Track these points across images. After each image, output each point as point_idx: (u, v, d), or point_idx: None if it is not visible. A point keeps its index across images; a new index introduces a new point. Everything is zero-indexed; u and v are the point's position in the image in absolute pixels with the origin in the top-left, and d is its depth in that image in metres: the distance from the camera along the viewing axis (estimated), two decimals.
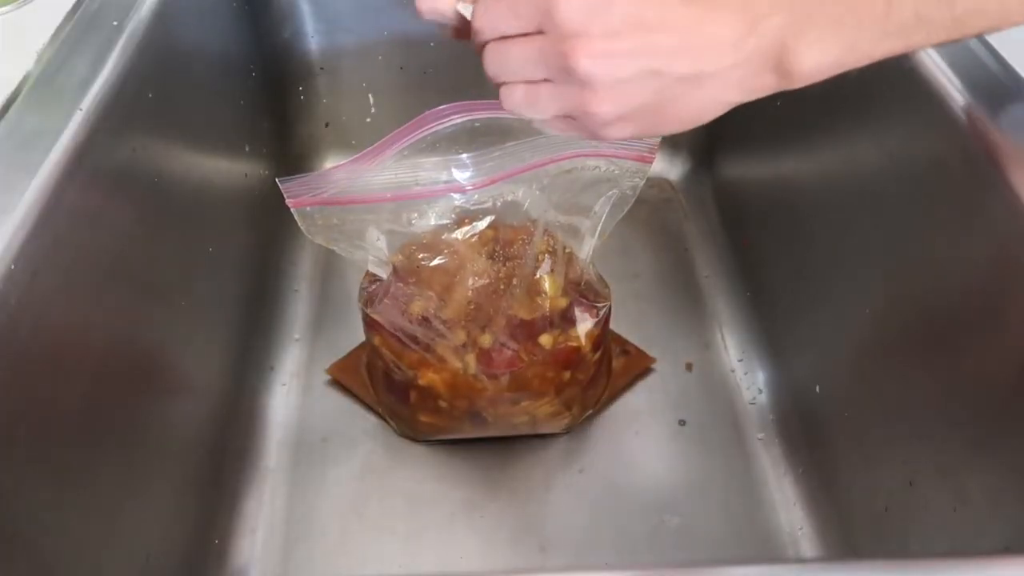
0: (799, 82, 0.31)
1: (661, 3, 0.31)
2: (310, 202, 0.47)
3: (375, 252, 0.52)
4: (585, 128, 0.34)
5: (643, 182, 0.51)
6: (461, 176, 0.48)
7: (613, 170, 0.51)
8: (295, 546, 0.58)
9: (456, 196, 0.50)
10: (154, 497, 0.49)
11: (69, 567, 0.39)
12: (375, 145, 0.47)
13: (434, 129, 0.44)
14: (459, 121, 0.44)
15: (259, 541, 0.58)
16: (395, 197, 0.48)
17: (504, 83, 0.35)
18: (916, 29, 0.30)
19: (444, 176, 0.48)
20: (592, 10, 0.30)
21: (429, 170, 0.47)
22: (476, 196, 0.50)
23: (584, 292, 0.56)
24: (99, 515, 0.42)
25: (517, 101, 0.35)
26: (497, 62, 0.34)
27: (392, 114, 0.83)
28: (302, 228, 0.48)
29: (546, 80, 0.33)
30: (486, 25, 0.34)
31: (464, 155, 0.48)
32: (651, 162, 0.51)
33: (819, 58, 0.30)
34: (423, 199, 0.49)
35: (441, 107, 0.44)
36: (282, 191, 0.47)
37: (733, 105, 0.33)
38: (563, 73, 0.32)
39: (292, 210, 0.47)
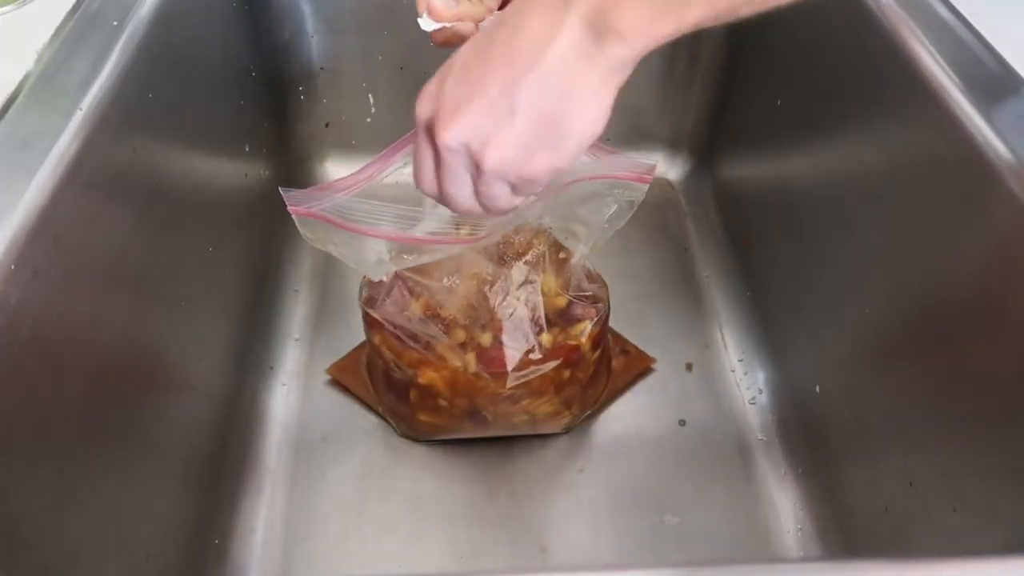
0: (634, 40, 0.32)
1: (482, 46, 0.34)
2: (309, 214, 0.47)
3: (376, 267, 0.52)
4: (517, 181, 0.36)
5: (642, 196, 0.51)
6: (462, 228, 0.49)
7: (612, 186, 0.51)
8: (295, 546, 0.58)
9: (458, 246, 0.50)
10: (154, 497, 0.49)
11: (69, 567, 0.39)
12: (378, 156, 0.47)
13: None
14: None
15: (259, 541, 0.58)
16: (397, 237, 0.48)
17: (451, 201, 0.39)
18: None
19: (449, 228, 0.48)
20: (432, 100, 0.35)
21: (433, 219, 0.47)
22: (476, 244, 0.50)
23: (582, 292, 0.56)
24: (99, 515, 0.42)
25: (465, 203, 0.38)
26: (447, 197, 0.38)
27: (392, 114, 0.83)
28: (303, 234, 0.48)
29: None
30: (419, 178, 0.39)
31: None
32: (648, 182, 0.51)
33: (635, 15, 0.31)
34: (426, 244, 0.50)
35: None
36: (284, 199, 0.47)
37: (604, 88, 0.33)
38: (450, 157, 0.35)
39: (293, 217, 0.47)
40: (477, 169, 0.35)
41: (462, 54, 0.35)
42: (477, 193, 0.37)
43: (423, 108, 0.36)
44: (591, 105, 0.33)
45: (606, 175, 0.50)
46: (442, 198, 0.39)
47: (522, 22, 0.33)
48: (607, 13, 0.31)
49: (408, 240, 0.48)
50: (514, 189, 0.37)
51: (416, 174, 0.39)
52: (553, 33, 0.32)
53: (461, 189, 0.37)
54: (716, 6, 0.32)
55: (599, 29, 0.31)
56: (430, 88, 0.36)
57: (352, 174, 0.47)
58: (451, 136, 0.34)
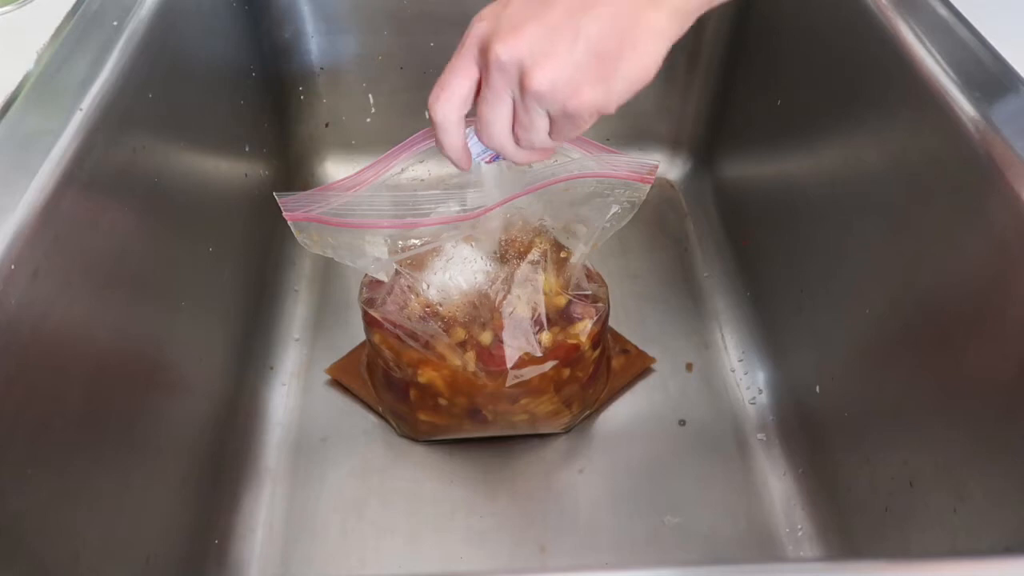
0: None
1: None
2: (305, 218, 0.47)
3: (375, 264, 0.52)
4: (560, 115, 0.36)
5: (644, 196, 0.51)
6: (459, 206, 0.48)
7: (613, 186, 0.51)
8: (295, 546, 0.58)
9: (454, 225, 0.50)
10: (154, 497, 0.49)
11: (69, 567, 0.39)
12: (374, 162, 0.47)
13: (430, 144, 0.45)
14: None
15: (259, 541, 0.58)
16: (392, 225, 0.48)
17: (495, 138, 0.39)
18: None
19: (442, 208, 0.48)
20: (494, 18, 0.35)
21: (428, 201, 0.47)
22: (474, 222, 0.50)
23: (582, 291, 0.56)
24: (99, 515, 0.42)
25: (499, 135, 0.38)
26: (486, 120, 0.38)
27: (392, 114, 0.83)
28: (299, 241, 0.48)
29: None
30: (440, 90, 0.39)
31: (463, 189, 0.48)
32: (650, 182, 0.51)
33: None
34: (422, 228, 0.49)
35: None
36: (279, 204, 0.47)
37: (664, 30, 0.34)
38: (499, 74, 0.35)
39: (289, 224, 0.47)
40: (522, 90, 0.35)
41: None
42: (515, 123, 0.37)
43: (481, 25, 0.36)
44: (650, 49, 0.34)
45: (608, 174, 0.50)
46: (478, 124, 0.38)
47: None
48: None
49: (404, 226, 0.48)
50: (553, 126, 0.37)
51: (451, 95, 0.38)
52: None
53: (500, 115, 0.37)
54: None
55: None
56: (490, 9, 0.36)
57: (349, 176, 0.47)
58: (506, 50, 0.34)
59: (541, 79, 0.34)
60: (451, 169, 0.44)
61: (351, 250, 0.50)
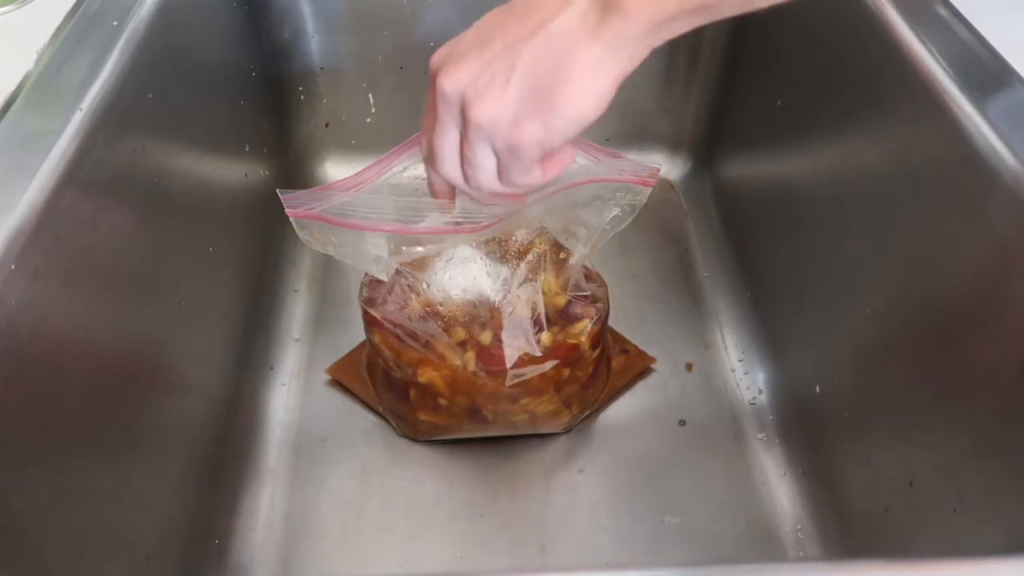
0: (638, 15, 0.32)
1: (500, 12, 0.35)
2: (307, 215, 0.47)
3: (376, 263, 0.52)
4: (503, 150, 0.36)
5: (645, 200, 0.51)
6: (464, 217, 0.48)
7: (615, 189, 0.51)
8: (295, 546, 0.58)
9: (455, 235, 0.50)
10: (154, 497, 0.49)
11: (69, 567, 0.39)
12: (376, 161, 0.47)
13: None
14: None
15: (259, 541, 0.58)
16: (395, 230, 0.48)
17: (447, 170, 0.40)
18: None
19: (447, 218, 0.48)
20: (446, 52, 0.36)
21: (432, 208, 0.47)
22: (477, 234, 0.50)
23: (581, 291, 0.56)
24: (99, 515, 0.42)
25: (449, 167, 0.39)
26: (434, 151, 0.39)
27: (392, 114, 0.83)
28: (301, 238, 0.48)
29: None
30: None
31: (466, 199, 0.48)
32: (651, 185, 0.50)
33: None
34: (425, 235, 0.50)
35: None
36: (282, 201, 0.47)
37: (604, 66, 0.33)
38: (444, 106, 0.36)
39: (292, 220, 0.47)
40: (464, 123, 0.36)
41: (484, 18, 0.36)
42: (462, 159, 0.38)
43: (436, 57, 0.37)
44: (587, 82, 0.33)
45: (609, 178, 0.50)
46: (430, 156, 0.39)
47: None
48: None
49: (407, 232, 0.48)
50: (500, 160, 0.37)
51: (423, 124, 0.40)
52: (565, 2, 0.33)
53: (446, 145, 0.38)
54: None
55: (607, 2, 0.32)
56: (443, 49, 0.37)
57: (352, 175, 0.47)
58: (449, 82, 0.35)
59: (479, 111, 0.34)
60: None
61: (352, 249, 0.50)
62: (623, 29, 0.32)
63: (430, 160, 0.40)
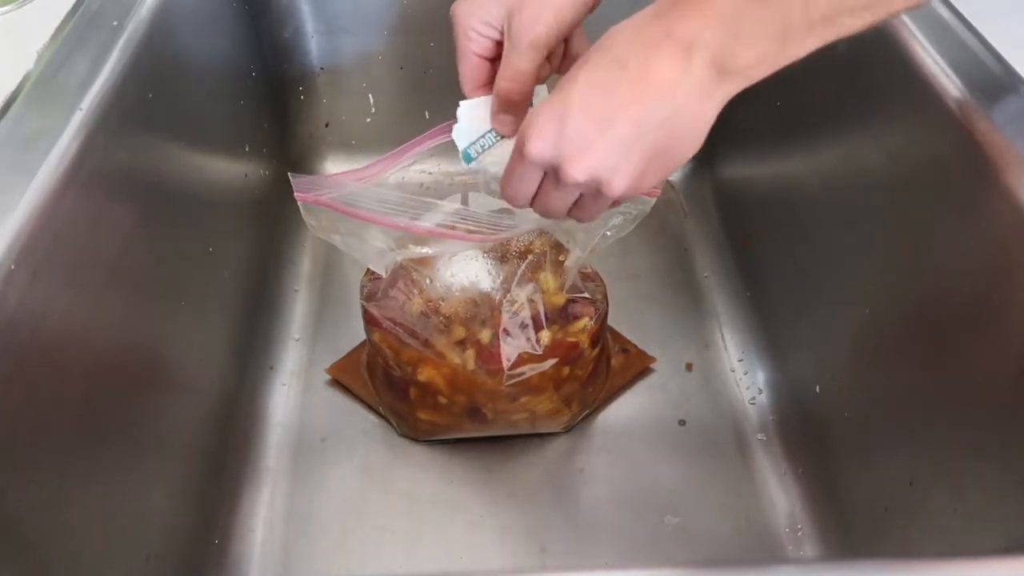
0: (745, 77, 0.34)
1: (604, 86, 0.35)
2: (315, 201, 0.47)
3: (378, 256, 0.52)
4: (623, 200, 0.39)
5: (648, 210, 0.51)
6: (470, 224, 0.49)
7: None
8: (295, 546, 0.58)
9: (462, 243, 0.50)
10: (154, 497, 0.49)
11: (69, 567, 0.39)
12: (386, 156, 0.47)
13: (443, 140, 0.45)
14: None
15: (259, 541, 0.58)
16: (407, 228, 0.48)
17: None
18: (832, 22, 0.33)
19: (452, 221, 0.49)
20: (556, 139, 0.36)
21: (438, 210, 0.48)
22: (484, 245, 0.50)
23: (581, 290, 0.56)
24: (99, 515, 0.42)
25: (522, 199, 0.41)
26: (544, 210, 0.41)
27: (392, 114, 0.83)
28: (307, 223, 0.48)
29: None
30: (514, 197, 0.41)
31: (474, 207, 0.49)
32: (656, 195, 0.51)
33: (755, 54, 0.33)
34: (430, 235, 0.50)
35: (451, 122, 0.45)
36: (292, 184, 0.47)
37: (713, 116, 0.35)
38: (573, 189, 0.38)
39: (299, 204, 0.47)
40: (596, 196, 0.38)
41: (576, 95, 0.35)
42: (578, 207, 0.41)
43: (541, 146, 0.36)
44: (701, 131, 0.35)
45: None
46: (511, 196, 0.41)
47: (645, 66, 0.34)
48: (730, 56, 0.33)
49: (416, 231, 0.48)
50: (614, 203, 0.40)
51: (514, 194, 0.41)
52: (682, 76, 0.33)
53: (562, 203, 0.40)
54: (826, 35, 0.34)
55: (723, 69, 0.33)
56: (545, 130, 0.36)
57: (362, 168, 0.47)
58: (583, 172, 0.36)
59: (618, 187, 0.37)
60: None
61: (358, 240, 0.50)
62: (737, 87, 0.34)
63: (506, 191, 0.41)
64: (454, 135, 0.44)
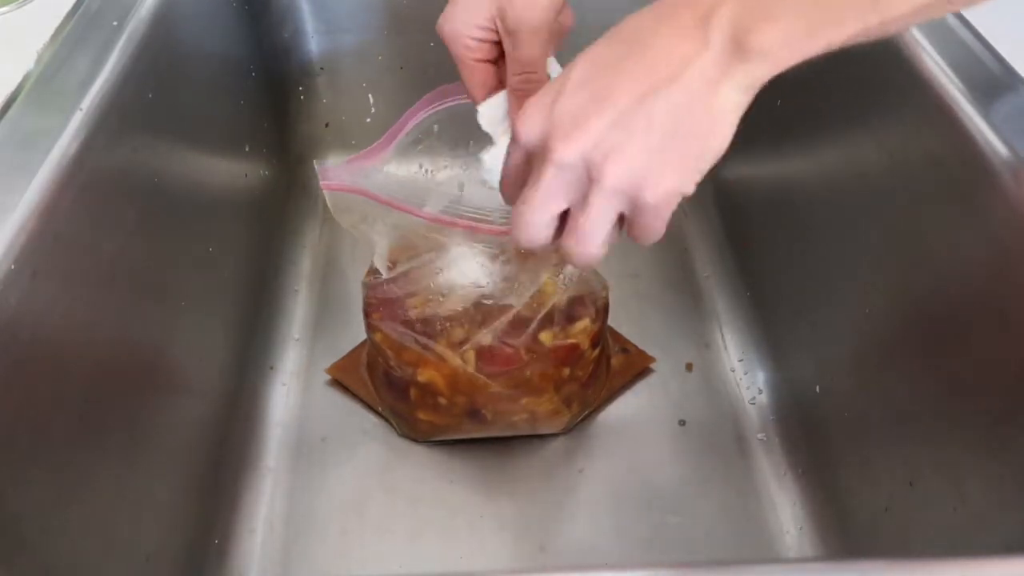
0: (768, 61, 0.30)
1: (606, 61, 0.31)
2: (339, 188, 0.47)
3: (381, 248, 0.52)
4: (636, 210, 0.33)
5: None
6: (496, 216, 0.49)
7: None
8: (295, 546, 0.58)
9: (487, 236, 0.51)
10: (154, 497, 0.49)
11: (69, 567, 0.39)
12: (388, 132, 0.48)
13: (446, 105, 0.46)
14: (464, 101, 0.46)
15: (259, 541, 0.58)
16: (437, 220, 0.49)
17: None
18: (873, 10, 0.29)
19: (483, 223, 0.49)
20: (544, 115, 0.32)
21: (472, 204, 0.48)
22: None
23: (580, 291, 0.56)
24: (99, 515, 0.42)
25: (540, 239, 0.35)
26: (528, 222, 0.35)
27: (392, 114, 0.82)
28: (333, 212, 0.50)
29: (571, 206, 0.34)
30: (511, 194, 0.37)
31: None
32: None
33: (781, 32, 0.30)
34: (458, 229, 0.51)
35: (445, 86, 0.45)
36: (318, 173, 0.48)
37: (736, 104, 0.32)
38: (560, 175, 0.32)
39: (324, 193, 0.49)
40: (593, 188, 0.32)
41: (576, 72, 0.32)
42: (575, 223, 0.34)
43: (531, 127, 0.32)
44: (725, 125, 0.32)
45: None
46: (522, 228, 0.35)
47: (654, 40, 0.30)
48: (752, 31, 0.29)
49: (447, 223, 0.49)
50: (631, 224, 0.34)
51: (510, 189, 0.36)
52: (695, 49, 0.30)
53: (549, 217, 0.34)
54: (868, 22, 0.30)
55: (743, 47, 0.30)
56: (537, 107, 0.32)
57: (373, 146, 0.49)
58: (570, 150, 0.31)
59: (614, 174, 0.31)
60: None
61: (383, 225, 0.51)
62: (761, 72, 0.31)
63: (521, 231, 0.35)
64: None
